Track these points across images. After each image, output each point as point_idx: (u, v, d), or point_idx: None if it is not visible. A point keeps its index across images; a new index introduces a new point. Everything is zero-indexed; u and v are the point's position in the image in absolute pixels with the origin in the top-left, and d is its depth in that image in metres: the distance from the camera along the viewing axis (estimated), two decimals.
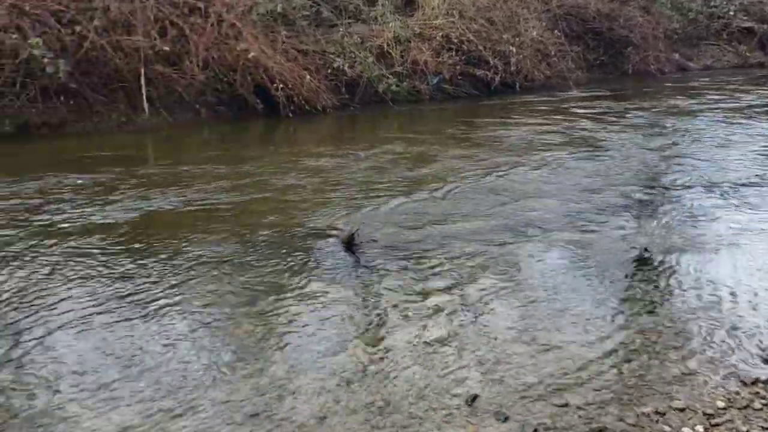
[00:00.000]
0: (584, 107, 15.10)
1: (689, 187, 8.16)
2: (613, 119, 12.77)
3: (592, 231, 6.74)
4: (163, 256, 5.96)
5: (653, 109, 14.34)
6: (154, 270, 5.69)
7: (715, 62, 24.81)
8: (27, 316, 4.93)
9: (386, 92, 15.39)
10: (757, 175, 8.42)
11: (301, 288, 5.40)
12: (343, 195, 7.91)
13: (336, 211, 7.34)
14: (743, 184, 8.14)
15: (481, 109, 15.29)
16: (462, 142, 11.11)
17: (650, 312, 5.01)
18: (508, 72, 17.30)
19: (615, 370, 4.31)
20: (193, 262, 5.81)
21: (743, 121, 12.46)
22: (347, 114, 14.33)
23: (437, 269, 5.77)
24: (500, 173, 8.98)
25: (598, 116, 13.17)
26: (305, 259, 5.95)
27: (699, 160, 9.32)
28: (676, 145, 10.45)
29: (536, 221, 7.04)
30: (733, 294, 5.37)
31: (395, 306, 5.07)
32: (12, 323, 4.84)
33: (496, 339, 4.64)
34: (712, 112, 13.69)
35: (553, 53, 18.94)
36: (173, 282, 5.43)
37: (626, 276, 5.61)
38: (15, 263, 5.79)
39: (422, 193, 8.10)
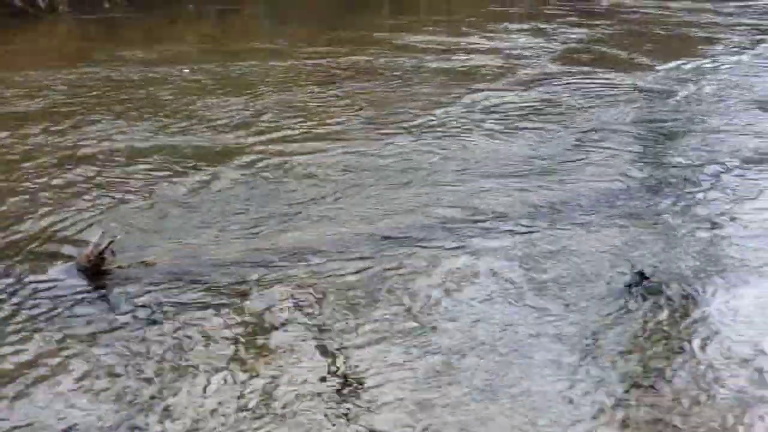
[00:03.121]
0: None
1: (703, 165, 5.88)
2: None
3: (548, 239, 4.53)
4: None
5: None
6: None
7: None
8: None
9: None
10: None
11: None
12: (89, 172, 5.43)
13: (73, 204, 4.91)
14: None
15: (338, 18, 11.58)
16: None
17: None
18: None
19: None
20: None
21: None
22: (97, 19, 10.79)
23: (272, 324, 3.67)
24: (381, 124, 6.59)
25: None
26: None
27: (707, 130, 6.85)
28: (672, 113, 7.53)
29: (455, 220, 4.76)
30: None
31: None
32: None
33: None
34: None
35: None
36: None
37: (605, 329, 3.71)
38: None
39: (242, 165, 5.62)
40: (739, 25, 11.41)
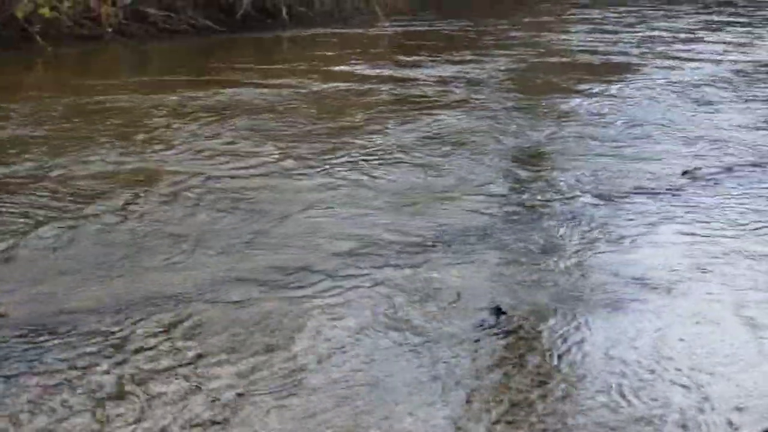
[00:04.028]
0: (390, 60, 11.07)
1: (577, 196, 5.82)
2: (436, 91, 9.29)
3: (411, 275, 4.47)
4: None
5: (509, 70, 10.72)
6: None
7: None
8: None
9: (30, 19, 10.35)
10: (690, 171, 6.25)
11: None
12: None
13: None
14: (674, 189, 5.88)
15: (204, 58, 11.04)
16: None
17: None
18: None
19: None
20: None
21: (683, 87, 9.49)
22: None
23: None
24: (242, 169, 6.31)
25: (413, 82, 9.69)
26: None
27: (595, 157, 6.82)
28: (559, 139, 7.49)
29: (311, 261, 4.62)
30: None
31: None
32: None
33: None
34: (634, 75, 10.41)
35: None
36: None
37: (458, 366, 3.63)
38: None
39: (128, 202, 5.43)
40: (648, 53, 11.67)
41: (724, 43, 12.76)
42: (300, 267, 4.47)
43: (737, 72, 10.60)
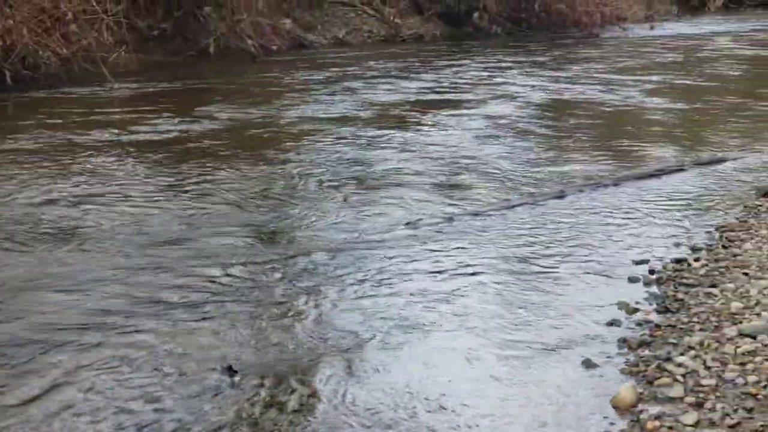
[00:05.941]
0: (108, 123, 10.21)
1: (312, 249, 5.80)
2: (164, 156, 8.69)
3: (142, 339, 4.37)
4: None
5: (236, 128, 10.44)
6: None
7: (350, 34, 18.86)
8: None
9: None
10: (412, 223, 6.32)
11: None
12: None
13: None
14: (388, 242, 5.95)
15: None
16: None
17: None
18: None
19: None
20: None
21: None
22: None
23: None
24: None
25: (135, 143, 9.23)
26: None
27: (338, 207, 6.86)
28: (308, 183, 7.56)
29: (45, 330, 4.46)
30: None
31: None
32: None
33: None
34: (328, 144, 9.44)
35: (72, 17, 12.81)
36: None
37: None
38: None
39: None
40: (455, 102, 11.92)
41: (517, 85, 13.36)
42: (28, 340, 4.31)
43: (522, 109, 11.20)
